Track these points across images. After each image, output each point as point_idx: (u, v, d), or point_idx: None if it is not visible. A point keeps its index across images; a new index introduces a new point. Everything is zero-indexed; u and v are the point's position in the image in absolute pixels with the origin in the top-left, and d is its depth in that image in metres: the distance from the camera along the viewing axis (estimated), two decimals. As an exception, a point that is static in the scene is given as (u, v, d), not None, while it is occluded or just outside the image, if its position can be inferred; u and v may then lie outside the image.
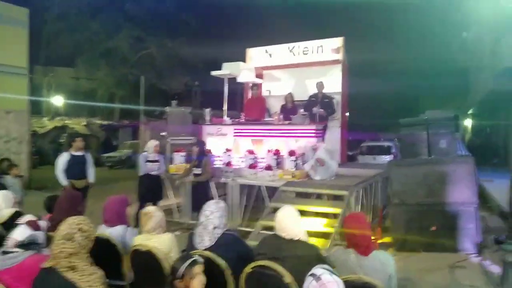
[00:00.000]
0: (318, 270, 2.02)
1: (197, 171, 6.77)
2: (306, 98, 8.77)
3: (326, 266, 2.09)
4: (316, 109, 8.26)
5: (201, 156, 6.86)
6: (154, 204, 6.09)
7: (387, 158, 13.12)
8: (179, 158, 7.96)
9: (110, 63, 26.50)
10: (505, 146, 17.27)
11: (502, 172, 8.58)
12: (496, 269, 4.95)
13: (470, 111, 20.58)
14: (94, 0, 25.01)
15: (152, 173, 6.97)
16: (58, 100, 27.60)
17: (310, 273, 2.03)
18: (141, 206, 6.30)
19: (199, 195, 6.35)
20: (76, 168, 6.42)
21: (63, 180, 6.32)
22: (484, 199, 7.90)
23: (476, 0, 14.87)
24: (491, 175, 9.63)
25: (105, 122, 27.09)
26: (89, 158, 6.70)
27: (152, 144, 7.14)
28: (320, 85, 8.70)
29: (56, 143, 22.38)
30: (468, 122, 21.35)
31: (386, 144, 14.76)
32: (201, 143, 7.28)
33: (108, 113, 29.01)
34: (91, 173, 6.62)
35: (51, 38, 25.71)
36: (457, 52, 19.59)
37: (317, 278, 1.96)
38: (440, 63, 20.52)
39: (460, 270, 5.02)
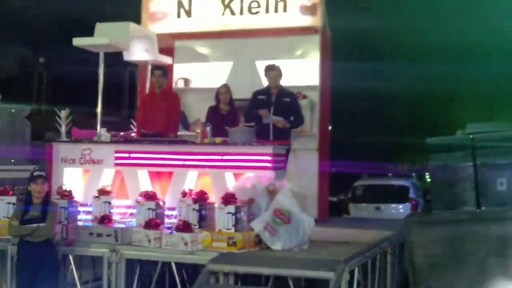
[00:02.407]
0: None
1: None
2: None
3: None
4: (268, 117, 5.78)
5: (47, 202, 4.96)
6: None
7: (401, 208, 10.22)
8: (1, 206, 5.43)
9: None
10: None
11: None
12: None
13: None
14: None
15: None
16: None
17: None
18: None
19: (39, 278, 4.65)
20: None
21: None
22: None
23: None
24: None
25: None
26: None
27: None
28: (275, 73, 6.04)
29: None
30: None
31: (399, 183, 11.39)
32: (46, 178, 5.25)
33: None
34: None
35: None
36: None
37: None
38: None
39: None
